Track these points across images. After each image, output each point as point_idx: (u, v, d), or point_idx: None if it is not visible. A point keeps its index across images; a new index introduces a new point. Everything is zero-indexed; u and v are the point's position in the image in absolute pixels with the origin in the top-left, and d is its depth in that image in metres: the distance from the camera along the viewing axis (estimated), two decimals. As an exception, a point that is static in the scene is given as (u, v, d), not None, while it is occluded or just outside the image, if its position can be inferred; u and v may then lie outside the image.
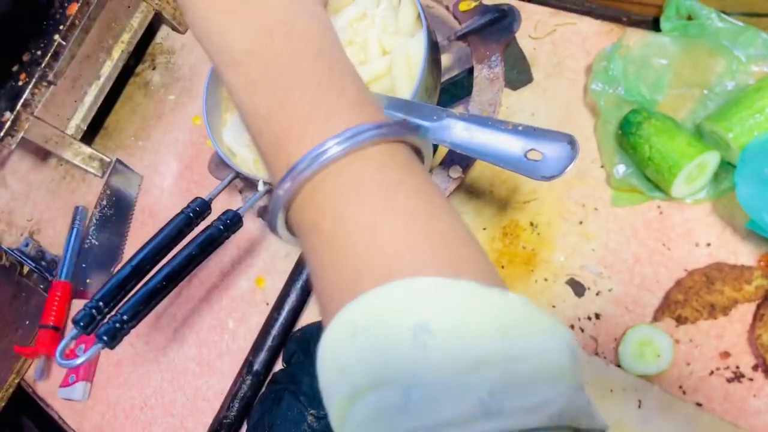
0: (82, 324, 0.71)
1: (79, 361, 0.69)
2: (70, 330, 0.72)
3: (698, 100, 0.78)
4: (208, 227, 0.75)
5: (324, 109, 0.39)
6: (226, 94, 0.88)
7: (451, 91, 0.89)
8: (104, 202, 1.14)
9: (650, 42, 0.81)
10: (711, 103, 0.77)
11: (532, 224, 0.83)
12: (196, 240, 0.74)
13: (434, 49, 0.77)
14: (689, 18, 0.80)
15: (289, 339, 0.89)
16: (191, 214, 0.76)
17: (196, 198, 0.78)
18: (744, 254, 0.73)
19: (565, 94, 0.88)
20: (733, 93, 0.76)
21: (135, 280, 0.74)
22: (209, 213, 0.79)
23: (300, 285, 0.88)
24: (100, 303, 0.72)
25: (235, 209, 0.77)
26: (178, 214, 0.76)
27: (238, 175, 0.83)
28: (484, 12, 0.81)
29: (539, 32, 0.92)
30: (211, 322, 0.99)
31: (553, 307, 0.79)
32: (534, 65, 0.90)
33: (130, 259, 0.73)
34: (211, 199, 0.79)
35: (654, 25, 0.86)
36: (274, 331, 0.88)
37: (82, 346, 1.02)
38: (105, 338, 0.69)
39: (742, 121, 0.71)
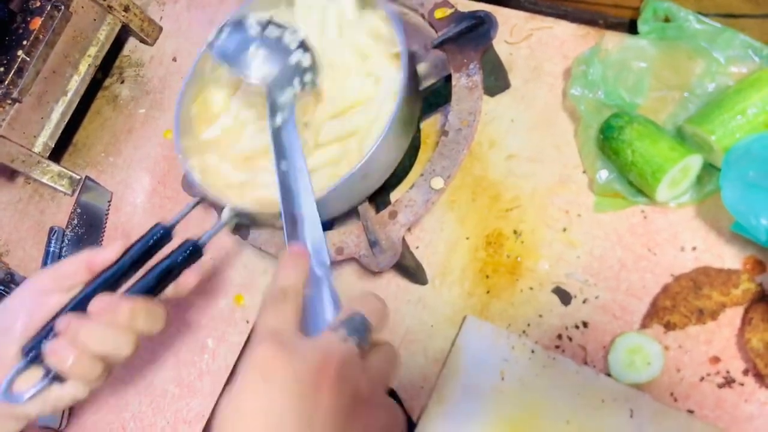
0: (30, 356, 0.63)
1: (24, 397, 0.62)
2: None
3: (679, 103, 0.78)
4: (166, 257, 0.71)
5: None
6: (198, 110, 0.86)
7: (429, 100, 0.88)
8: (75, 221, 1.11)
9: (628, 45, 0.80)
10: (692, 106, 0.77)
11: (515, 232, 0.82)
12: (153, 271, 0.70)
13: (413, 81, 0.76)
14: (666, 20, 0.79)
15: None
16: (150, 242, 0.71)
17: (157, 224, 0.73)
18: (730, 257, 0.72)
19: (544, 99, 0.87)
20: (714, 95, 0.75)
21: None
22: (170, 240, 0.75)
23: (281, 302, 0.86)
24: (51, 333, 0.65)
25: (195, 239, 0.72)
26: (135, 242, 0.72)
27: (202, 200, 0.80)
28: (460, 19, 0.80)
29: (515, 37, 0.91)
30: (189, 342, 0.96)
31: (540, 316, 0.77)
32: (511, 71, 0.89)
33: (83, 290, 0.68)
34: (172, 226, 0.74)
35: (631, 28, 0.85)
36: (256, 351, 0.85)
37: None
38: (50, 372, 0.63)
39: (725, 123, 0.71)
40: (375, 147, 0.71)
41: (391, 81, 0.77)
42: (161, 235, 0.72)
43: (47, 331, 0.64)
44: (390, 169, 0.78)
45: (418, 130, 0.91)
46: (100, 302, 0.61)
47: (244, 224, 0.85)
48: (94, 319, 0.61)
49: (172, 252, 0.70)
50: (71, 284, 0.66)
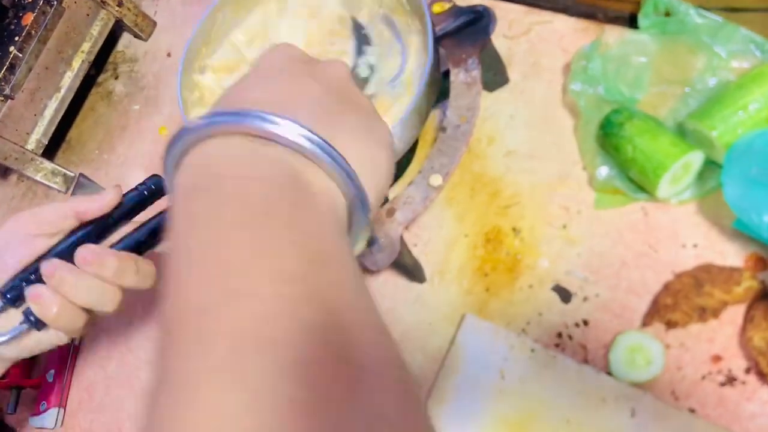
0: (9, 296, 0.61)
1: (1, 339, 0.60)
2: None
3: (679, 98, 0.77)
4: (160, 212, 0.65)
5: None
6: (199, 93, 0.83)
7: (427, 95, 0.87)
8: (69, 219, 1.09)
9: (629, 40, 0.79)
10: (692, 101, 0.76)
11: (514, 230, 0.81)
12: (146, 225, 0.66)
13: (434, 68, 0.74)
14: (667, 14, 0.78)
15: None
16: (145, 192, 0.66)
17: (153, 175, 0.67)
18: (731, 254, 0.71)
19: (543, 94, 0.86)
20: (715, 90, 0.75)
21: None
22: (164, 194, 0.70)
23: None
24: (32, 276, 0.61)
25: None
26: (129, 192, 0.66)
27: None
28: (458, 14, 0.79)
29: (514, 31, 0.90)
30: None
31: (540, 314, 0.77)
32: (510, 65, 0.88)
33: (70, 236, 0.63)
34: None
35: (631, 22, 0.84)
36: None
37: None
38: (31, 318, 0.60)
39: (726, 119, 0.70)
40: (399, 122, 0.70)
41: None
42: (157, 187, 0.66)
43: (29, 273, 0.61)
44: (406, 148, 0.77)
45: (416, 126, 0.90)
46: (87, 252, 0.58)
47: None
48: (80, 269, 0.59)
49: (165, 209, 0.64)
50: (57, 230, 0.62)
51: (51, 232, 0.62)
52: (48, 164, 1.08)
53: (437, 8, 0.80)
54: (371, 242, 0.74)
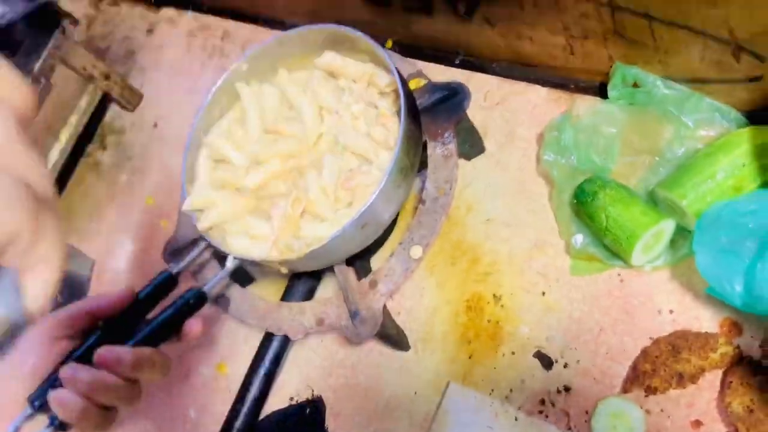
0: (36, 404, 0.62)
1: None
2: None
3: (649, 167, 0.79)
4: (170, 305, 0.71)
5: None
6: (202, 159, 0.85)
7: (406, 166, 0.89)
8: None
9: (599, 110, 0.82)
10: (662, 170, 0.78)
11: (495, 296, 0.83)
12: (158, 319, 0.69)
13: (414, 124, 0.76)
14: (635, 85, 0.81)
15: (254, 430, 0.86)
16: (155, 289, 0.71)
17: (163, 270, 0.73)
18: (706, 320, 0.73)
19: (518, 163, 0.88)
20: (683, 159, 0.77)
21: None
22: (176, 286, 0.74)
23: (263, 372, 0.86)
24: (57, 381, 0.67)
25: (199, 286, 0.72)
26: (141, 289, 0.71)
27: (208, 245, 0.79)
28: (434, 90, 0.81)
29: (489, 102, 0.93)
30: (171, 412, 0.95)
31: (523, 381, 0.78)
32: (485, 135, 0.90)
33: (88, 338, 0.67)
34: (179, 273, 0.74)
35: (601, 91, 0.87)
36: (239, 424, 0.85)
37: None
38: (56, 422, 0.64)
39: (695, 187, 0.72)
40: (375, 196, 0.71)
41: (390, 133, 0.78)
42: (167, 281, 0.72)
43: (52, 380, 0.63)
44: (388, 221, 0.78)
45: (397, 195, 0.92)
46: (105, 353, 0.61)
47: (245, 273, 0.86)
48: (99, 369, 0.61)
49: (176, 300, 0.70)
50: (76, 331, 0.66)
51: (70, 334, 0.65)
52: (36, 236, 1.09)
53: (413, 84, 0.83)
54: (353, 315, 0.75)
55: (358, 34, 0.78)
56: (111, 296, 0.67)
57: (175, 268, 0.74)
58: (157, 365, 0.64)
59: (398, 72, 0.75)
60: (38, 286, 0.44)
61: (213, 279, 0.74)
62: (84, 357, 0.64)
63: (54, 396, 0.61)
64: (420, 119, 0.79)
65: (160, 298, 0.72)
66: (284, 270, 0.76)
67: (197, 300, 0.71)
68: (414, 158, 0.76)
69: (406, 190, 0.77)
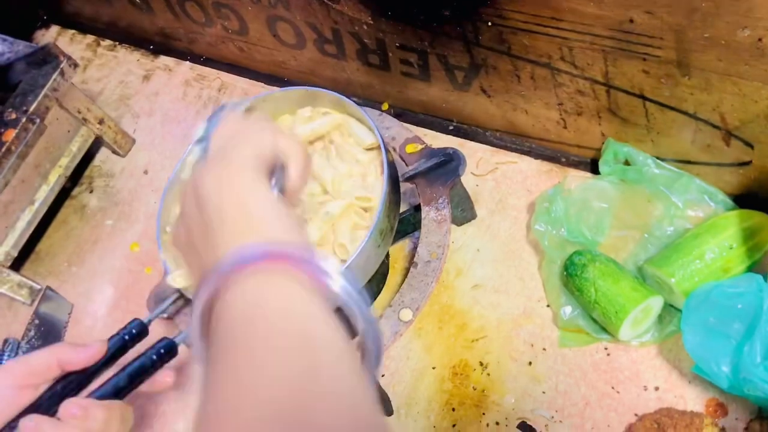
0: None
1: None
2: None
3: (639, 243, 0.80)
4: (140, 354, 0.69)
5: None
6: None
7: (398, 227, 0.89)
8: (32, 332, 1.07)
9: (590, 185, 0.83)
10: (651, 247, 0.79)
11: (481, 364, 0.82)
12: (127, 369, 0.68)
13: (394, 189, 0.77)
14: (626, 163, 0.83)
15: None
16: (126, 337, 0.69)
17: (134, 319, 0.70)
18: (692, 399, 0.73)
19: (509, 231, 0.89)
20: (673, 237, 0.79)
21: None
22: (146, 335, 0.73)
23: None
24: (15, 431, 0.64)
25: (171, 337, 0.71)
26: (111, 337, 0.69)
27: (181, 296, 0.78)
28: (430, 155, 0.82)
29: (481, 170, 0.94)
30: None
31: (506, 453, 0.77)
32: (477, 202, 0.92)
33: (53, 386, 0.65)
34: (149, 321, 0.73)
35: (592, 167, 0.89)
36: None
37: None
38: None
39: (684, 266, 0.73)
40: (354, 256, 0.70)
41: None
42: (138, 330, 0.69)
43: (12, 429, 0.60)
44: (365, 280, 0.78)
45: (387, 256, 0.92)
46: (73, 407, 0.58)
47: None
48: (62, 422, 0.58)
49: (147, 350, 0.68)
50: (42, 380, 0.63)
51: (36, 383, 0.63)
52: (15, 276, 1.07)
53: (410, 148, 0.84)
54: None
55: (346, 101, 0.80)
56: (83, 351, 0.64)
57: (146, 317, 0.72)
58: (126, 420, 0.62)
59: (382, 139, 0.76)
60: None
61: (185, 331, 0.72)
62: (44, 408, 0.61)
63: None
64: (399, 184, 0.80)
65: (130, 347, 0.70)
66: None
67: (167, 351, 0.69)
68: (393, 221, 0.77)
69: (384, 251, 0.78)
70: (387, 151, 0.76)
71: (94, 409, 0.59)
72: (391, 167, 0.76)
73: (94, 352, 0.64)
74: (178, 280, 0.78)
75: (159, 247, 0.79)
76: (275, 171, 0.51)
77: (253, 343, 0.39)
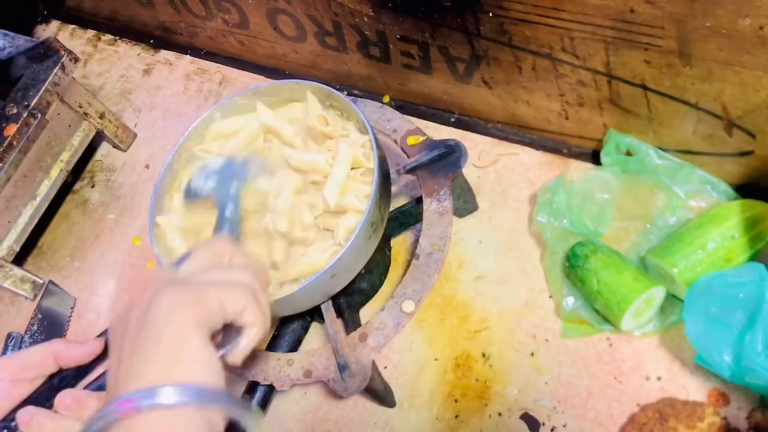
0: None
1: None
2: None
3: (641, 234, 0.80)
4: None
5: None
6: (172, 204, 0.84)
7: (400, 220, 0.89)
8: (35, 327, 1.08)
9: (592, 176, 0.83)
10: (654, 237, 0.79)
11: (484, 355, 0.82)
12: None
13: (385, 183, 0.77)
14: (628, 153, 0.83)
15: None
16: None
17: None
18: (694, 389, 0.73)
19: (511, 222, 0.89)
20: (675, 228, 0.78)
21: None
22: None
23: (245, 422, 0.84)
24: (12, 423, 0.65)
25: None
26: (106, 330, 0.70)
27: None
28: (431, 147, 0.82)
29: (483, 161, 0.94)
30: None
31: (509, 443, 0.77)
32: (479, 193, 0.91)
33: (49, 378, 0.65)
34: None
35: (594, 158, 0.89)
36: (218, 475, 0.82)
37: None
38: None
39: (686, 257, 0.73)
40: (345, 249, 0.70)
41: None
42: None
43: (9, 421, 0.60)
44: (355, 272, 0.78)
45: (389, 248, 0.93)
46: (67, 398, 0.59)
47: None
48: (58, 414, 0.59)
49: None
50: (38, 375, 0.63)
51: (32, 377, 0.63)
52: (18, 271, 1.08)
53: (411, 140, 0.84)
54: (342, 368, 0.75)
55: (338, 94, 0.79)
56: (79, 347, 0.65)
57: None
58: None
59: (373, 133, 0.76)
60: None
61: None
62: (41, 400, 0.61)
63: None
64: (390, 177, 0.80)
65: None
66: None
67: None
68: (384, 212, 0.77)
69: (374, 242, 0.77)
70: (378, 145, 0.76)
71: (89, 400, 0.60)
72: (382, 161, 0.76)
73: (90, 349, 0.64)
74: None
75: (151, 241, 0.79)
76: (231, 332, 0.53)
77: None
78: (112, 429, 0.45)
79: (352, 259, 0.75)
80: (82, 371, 0.64)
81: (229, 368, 0.52)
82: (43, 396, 0.61)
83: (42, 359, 0.63)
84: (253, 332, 0.53)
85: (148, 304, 0.49)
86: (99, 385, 0.63)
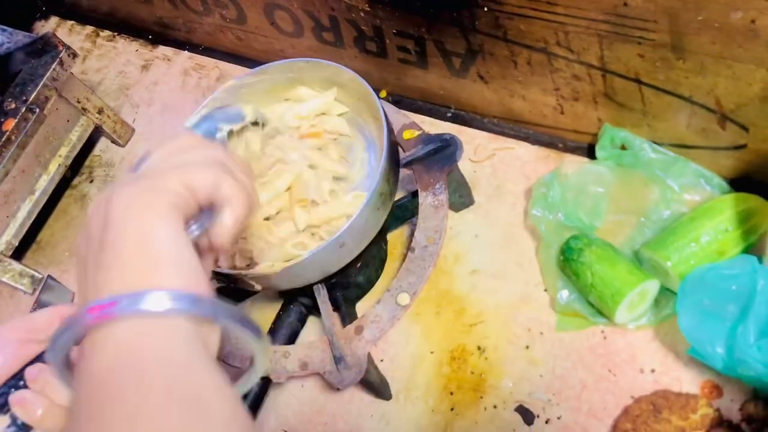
0: None
1: None
2: None
3: (635, 227, 0.81)
4: None
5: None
6: None
7: (396, 213, 0.90)
8: (33, 321, 1.08)
9: (587, 170, 0.84)
10: (648, 231, 0.80)
11: (479, 348, 0.83)
12: None
13: (393, 154, 0.77)
14: (623, 147, 0.84)
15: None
16: None
17: None
18: (687, 381, 0.74)
19: (506, 217, 0.89)
20: (669, 221, 0.79)
21: None
22: None
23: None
24: (21, 381, 0.66)
25: None
26: None
27: None
28: (427, 141, 0.83)
29: (479, 156, 0.95)
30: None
31: (503, 436, 0.77)
32: (475, 188, 0.92)
33: None
34: None
35: (589, 152, 0.89)
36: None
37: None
38: (18, 422, 0.62)
39: (680, 250, 0.74)
40: (355, 217, 0.70)
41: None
42: None
43: (17, 379, 0.62)
44: (364, 244, 0.77)
45: (385, 242, 0.93)
46: (74, 354, 0.60)
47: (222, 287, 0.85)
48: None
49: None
50: (46, 336, 0.64)
51: (40, 339, 0.64)
52: (16, 265, 1.08)
53: (407, 134, 0.85)
54: (338, 360, 0.75)
55: (343, 69, 0.79)
56: None
57: None
58: None
59: (382, 107, 0.76)
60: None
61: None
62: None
63: (16, 396, 0.59)
64: (398, 150, 0.80)
65: None
66: (258, 287, 0.76)
67: None
68: (392, 186, 0.77)
69: (383, 215, 0.77)
70: (386, 117, 0.75)
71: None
72: (390, 132, 0.76)
73: None
74: None
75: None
76: (203, 211, 0.47)
77: (128, 398, 0.36)
78: (82, 342, 0.39)
79: (361, 229, 0.74)
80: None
81: (216, 264, 0.47)
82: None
83: (49, 321, 0.64)
84: (235, 203, 0.47)
85: (105, 209, 0.42)
86: None
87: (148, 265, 0.40)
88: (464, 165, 0.92)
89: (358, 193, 0.78)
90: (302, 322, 0.90)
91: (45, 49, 1.05)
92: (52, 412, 0.60)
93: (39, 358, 0.64)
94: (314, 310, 0.88)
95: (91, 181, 1.20)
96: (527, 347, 0.81)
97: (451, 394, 0.82)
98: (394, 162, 0.77)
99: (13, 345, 0.63)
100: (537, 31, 0.77)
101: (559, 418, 0.76)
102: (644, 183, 0.81)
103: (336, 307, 0.84)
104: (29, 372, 0.59)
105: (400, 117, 0.88)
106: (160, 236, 0.41)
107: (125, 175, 0.48)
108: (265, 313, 0.91)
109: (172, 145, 0.49)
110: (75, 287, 1.09)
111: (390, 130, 0.76)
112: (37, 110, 1.03)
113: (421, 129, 0.85)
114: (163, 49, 1.29)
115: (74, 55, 1.06)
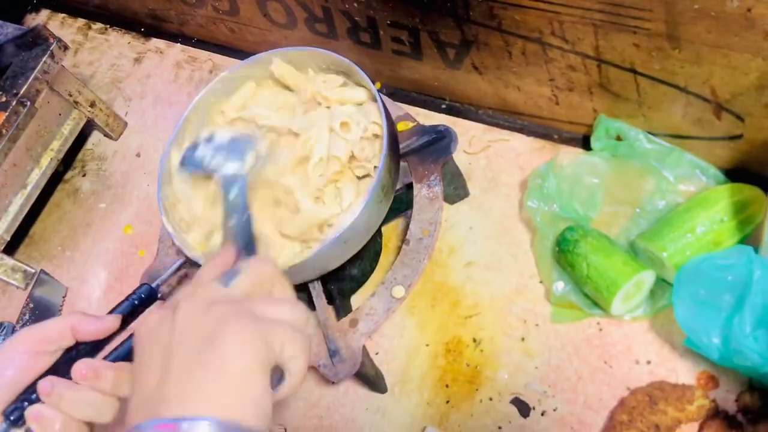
0: (11, 418, 0.61)
1: None
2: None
3: (631, 218, 0.81)
4: (119, 304, 0.71)
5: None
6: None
7: (391, 206, 0.89)
8: (27, 316, 1.08)
9: (582, 161, 0.83)
10: (643, 221, 0.80)
11: (474, 340, 0.83)
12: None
13: (394, 146, 0.76)
14: (618, 138, 0.83)
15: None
16: (136, 302, 0.72)
17: (143, 284, 0.74)
18: (683, 372, 0.74)
19: (501, 208, 0.89)
20: (664, 212, 0.79)
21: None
22: (156, 300, 0.74)
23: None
24: (33, 395, 0.66)
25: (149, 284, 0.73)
26: (121, 302, 0.71)
27: (186, 261, 0.78)
28: (421, 133, 0.82)
29: (474, 147, 0.94)
30: None
31: (500, 428, 0.77)
32: (470, 180, 0.91)
33: (68, 350, 0.67)
34: (158, 286, 0.74)
35: (584, 143, 0.89)
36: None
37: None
38: None
39: (675, 240, 0.74)
40: (358, 212, 0.70)
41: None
42: (147, 295, 0.72)
43: (30, 392, 0.61)
44: (366, 238, 0.77)
45: (380, 235, 0.92)
46: (84, 367, 0.59)
47: None
48: (78, 384, 0.59)
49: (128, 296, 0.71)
50: (56, 347, 0.64)
51: (51, 350, 0.63)
52: (8, 260, 1.07)
53: (401, 126, 0.84)
54: (332, 354, 0.75)
55: (342, 59, 0.79)
56: (97, 322, 0.65)
57: (154, 282, 0.74)
58: None
59: (381, 98, 0.75)
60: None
61: (165, 274, 0.75)
62: (60, 371, 0.62)
63: (32, 411, 0.60)
64: (398, 141, 0.80)
65: (140, 312, 0.71)
66: None
67: (148, 296, 0.72)
68: (394, 177, 0.77)
69: (385, 207, 0.77)
70: (386, 109, 0.75)
71: (105, 370, 0.60)
72: (390, 123, 0.75)
73: (108, 325, 0.65)
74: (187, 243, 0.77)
75: (161, 210, 0.79)
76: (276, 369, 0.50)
77: None
78: None
79: (364, 224, 0.74)
80: (97, 345, 0.65)
81: None
82: (62, 369, 0.62)
83: (60, 332, 0.64)
84: (297, 374, 0.50)
85: (213, 329, 0.47)
86: (115, 357, 0.64)
87: (244, 402, 0.45)
88: (459, 157, 0.91)
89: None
90: (297, 315, 0.89)
91: (36, 41, 1.04)
92: (67, 427, 0.60)
93: (51, 370, 0.63)
94: (309, 303, 0.88)
95: (84, 175, 1.20)
96: (522, 339, 0.81)
97: (447, 386, 0.81)
98: (394, 153, 0.77)
99: (24, 357, 0.63)
100: (532, 21, 0.76)
101: (554, 410, 0.76)
102: (639, 174, 0.81)
103: (330, 300, 0.84)
104: (42, 386, 0.60)
105: (394, 109, 0.87)
106: (259, 383, 0.45)
107: (217, 289, 0.52)
108: (259, 307, 0.91)
109: (259, 277, 0.54)
110: (68, 282, 1.09)
111: (390, 122, 0.75)
112: (28, 103, 1.02)
113: (415, 121, 0.84)
114: (155, 42, 1.28)
115: (65, 48, 1.05)
